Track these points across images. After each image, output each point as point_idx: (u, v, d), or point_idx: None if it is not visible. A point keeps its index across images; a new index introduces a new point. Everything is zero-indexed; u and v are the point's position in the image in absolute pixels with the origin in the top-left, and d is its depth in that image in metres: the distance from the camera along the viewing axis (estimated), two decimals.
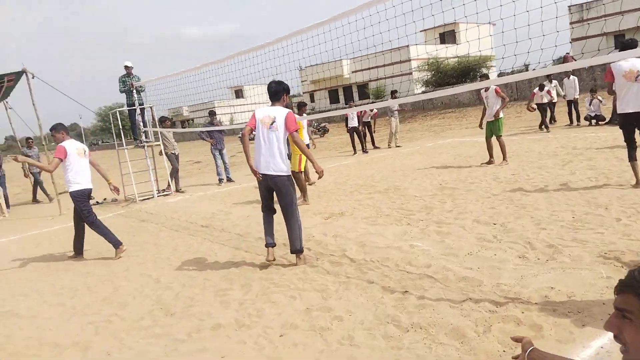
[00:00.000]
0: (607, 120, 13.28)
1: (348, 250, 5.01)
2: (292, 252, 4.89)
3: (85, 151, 6.41)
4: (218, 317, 3.81)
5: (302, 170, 8.06)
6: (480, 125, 9.71)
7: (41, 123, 10.54)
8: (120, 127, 11.49)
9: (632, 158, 5.97)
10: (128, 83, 11.16)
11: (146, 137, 11.38)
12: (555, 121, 15.06)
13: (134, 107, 11.20)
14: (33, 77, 10.36)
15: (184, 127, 51.07)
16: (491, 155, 9.25)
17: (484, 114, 9.44)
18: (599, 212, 5.11)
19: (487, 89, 9.11)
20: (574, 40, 27.32)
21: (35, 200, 13.78)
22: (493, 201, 6.28)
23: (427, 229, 5.40)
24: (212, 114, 12.30)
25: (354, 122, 14.78)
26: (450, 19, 5.18)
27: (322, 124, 26.94)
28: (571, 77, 14.08)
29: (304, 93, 44.78)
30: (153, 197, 10.97)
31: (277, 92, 4.92)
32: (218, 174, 12.06)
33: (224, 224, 7.22)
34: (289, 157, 6.33)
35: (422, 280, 3.94)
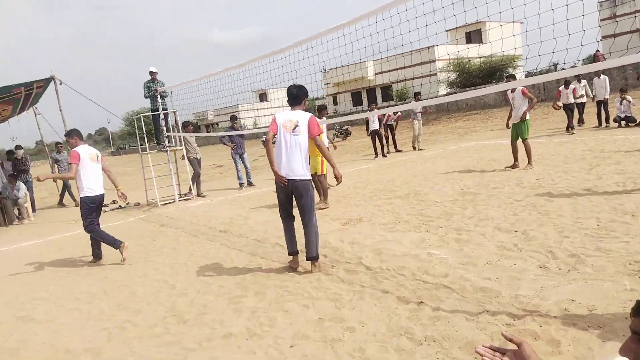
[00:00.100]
0: (638, 121, 12.85)
1: (364, 258, 4.93)
2: (307, 259, 4.84)
3: (98, 156, 6.52)
4: (230, 325, 3.79)
5: (324, 172, 8.08)
6: (507, 125, 9.44)
7: (67, 129, 10.77)
8: (144, 131, 11.65)
9: None
10: (152, 88, 11.32)
11: (169, 142, 11.51)
12: (583, 123, 14.63)
13: (157, 112, 11.34)
14: (61, 84, 10.63)
15: (209, 131, 51.63)
16: (516, 159, 9.02)
17: (510, 116, 9.21)
18: (626, 219, 4.90)
19: (513, 90, 8.89)
20: (604, 37, 26.60)
21: (61, 203, 14.10)
22: (515, 207, 6.11)
23: (446, 237, 5.27)
24: (233, 118, 12.37)
25: (375, 125, 14.66)
26: (475, 18, 5.02)
27: (345, 127, 26.85)
28: (602, 76, 13.62)
29: (327, 96, 44.75)
30: (174, 201, 11.08)
31: (299, 96, 4.90)
32: (239, 178, 12.11)
33: (241, 229, 7.22)
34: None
35: (439, 291, 3.84)
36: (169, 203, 11.04)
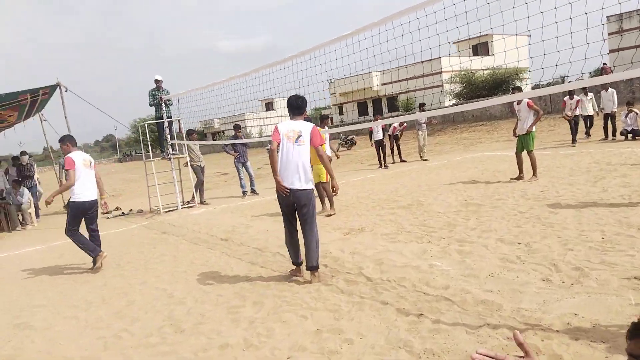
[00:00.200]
0: None
1: (365, 269, 4.87)
2: (307, 269, 4.80)
3: (91, 163, 6.58)
4: (227, 336, 3.73)
5: (328, 180, 8.09)
6: (515, 134, 9.30)
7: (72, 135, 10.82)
8: (148, 139, 11.68)
9: None
10: (157, 96, 11.35)
11: (173, 150, 11.53)
12: (589, 135, 14.53)
13: (162, 120, 11.37)
14: (66, 90, 10.68)
15: (215, 139, 51.83)
16: (521, 171, 8.95)
17: (516, 127, 9.15)
18: (631, 232, 4.82)
19: (519, 102, 8.84)
20: (612, 51, 26.52)
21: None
22: (519, 219, 6.03)
23: (448, 248, 5.21)
24: (236, 127, 12.38)
25: (379, 135, 14.64)
26: (483, 30, 4.99)
27: (350, 137, 26.84)
28: (609, 89, 13.55)
29: (332, 105, 44.84)
30: (177, 208, 11.06)
31: (300, 106, 4.93)
32: (242, 186, 12.09)
33: (242, 238, 7.18)
34: None
35: (439, 303, 3.77)
36: (172, 210, 11.02)
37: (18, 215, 11.75)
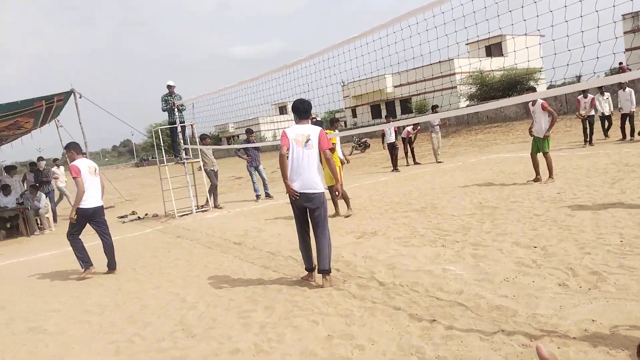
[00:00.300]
0: None
1: (377, 273, 4.82)
2: (319, 272, 4.77)
3: (95, 169, 6.65)
4: (238, 340, 3.72)
5: (341, 182, 8.14)
6: (530, 133, 9.16)
7: (86, 140, 10.98)
8: (162, 143, 11.77)
9: None
10: (170, 102, 11.44)
11: (186, 154, 11.60)
12: (607, 137, 14.26)
13: (175, 125, 11.45)
14: (80, 97, 10.82)
15: (230, 144, 52.13)
16: (537, 172, 8.80)
17: (532, 126, 8.99)
18: None
19: (534, 103, 8.72)
20: (628, 50, 26.08)
21: None
22: (535, 222, 5.93)
23: (462, 252, 5.13)
24: (249, 131, 12.41)
25: (391, 138, 14.56)
26: (496, 30, 4.91)
27: (363, 139, 26.77)
28: (627, 89, 13.30)
29: (345, 108, 44.81)
30: (191, 212, 11.12)
31: (306, 110, 4.96)
32: (255, 190, 12.11)
33: (255, 242, 7.18)
34: None
35: (452, 308, 3.71)
36: (186, 214, 11.08)
37: (36, 219, 11.91)
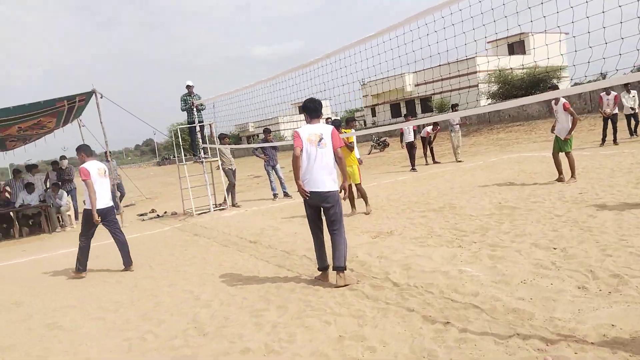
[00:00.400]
0: None
1: (391, 274, 4.76)
2: (334, 269, 4.74)
3: (105, 171, 6.76)
4: (249, 340, 3.70)
5: (360, 182, 8.40)
6: (552, 130, 8.98)
7: (107, 140, 11.14)
8: (181, 142, 11.87)
9: None
10: (189, 102, 11.53)
11: (204, 153, 11.67)
12: (636, 135, 13.85)
13: (193, 125, 11.54)
14: (101, 97, 10.96)
15: (249, 143, 52.44)
16: (560, 172, 8.59)
17: (555, 125, 8.79)
18: None
19: (557, 102, 8.51)
20: None
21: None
22: (556, 223, 5.79)
23: (479, 252, 5.03)
24: (266, 131, 12.44)
25: (410, 137, 14.42)
26: (516, 27, 4.81)
27: (383, 138, 26.60)
28: None
29: (365, 107, 44.61)
30: (209, 211, 11.18)
31: (317, 109, 4.97)
32: (272, 189, 12.13)
33: (271, 240, 7.17)
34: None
35: (467, 311, 3.63)
36: (204, 213, 11.15)
37: (57, 217, 12.13)
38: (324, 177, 4.73)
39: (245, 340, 3.71)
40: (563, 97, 8.42)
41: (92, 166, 6.56)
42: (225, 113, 16.01)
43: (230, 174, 11.76)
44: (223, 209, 11.44)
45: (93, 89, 10.73)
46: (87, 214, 6.52)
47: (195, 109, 11.46)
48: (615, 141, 13.09)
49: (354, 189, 8.52)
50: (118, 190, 14.32)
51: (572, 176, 8.43)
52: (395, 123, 30.16)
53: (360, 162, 8.77)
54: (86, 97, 10.83)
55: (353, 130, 8.69)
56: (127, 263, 6.68)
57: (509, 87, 29.05)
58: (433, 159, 15.79)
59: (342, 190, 4.95)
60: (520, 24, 4.52)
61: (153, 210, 13.38)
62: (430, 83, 33.18)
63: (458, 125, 15.07)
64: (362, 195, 8.41)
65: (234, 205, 11.77)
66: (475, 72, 31.49)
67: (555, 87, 9.69)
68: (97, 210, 6.42)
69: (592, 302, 3.43)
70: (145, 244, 8.52)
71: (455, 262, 4.85)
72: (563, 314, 3.31)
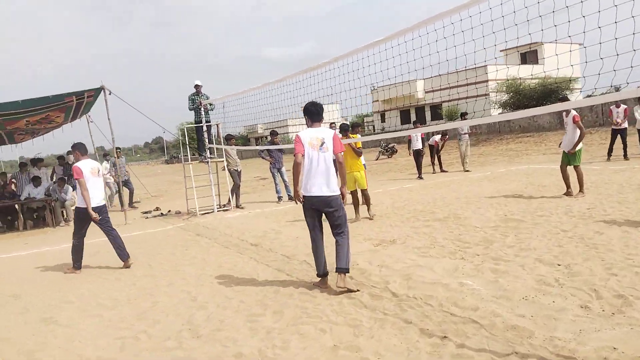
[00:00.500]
0: None
1: (391, 283, 4.68)
2: (336, 271, 4.67)
3: (99, 170, 6.77)
4: (242, 345, 3.65)
5: (367, 187, 8.44)
6: (560, 146, 8.85)
7: (114, 136, 11.18)
8: (187, 142, 11.87)
9: None
10: (197, 101, 11.53)
11: (210, 154, 11.66)
12: None
13: (200, 124, 11.53)
14: (110, 93, 10.98)
15: (258, 144, 52.51)
16: (568, 186, 8.46)
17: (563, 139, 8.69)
18: None
19: (567, 113, 8.40)
20: None
21: (131, 205, 14.51)
22: (561, 238, 5.68)
23: (481, 266, 4.94)
24: (273, 133, 12.42)
25: (418, 144, 14.33)
26: (528, 37, 4.73)
27: (391, 145, 26.49)
28: None
29: (374, 112, 44.51)
30: (213, 211, 11.16)
31: (319, 112, 4.95)
32: (277, 191, 12.10)
33: (272, 244, 7.12)
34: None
35: (466, 325, 3.55)
36: (208, 213, 11.13)
37: (62, 211, 12.16)
38: (325, 182, 4.70)
39: (239, 345, 3.66)
40: (574, 109, 8.32)
41: (86, 165, 6.56)
42: (234, 114, 16.02)
43: (236, 175, 11.74)
44: (227, 210, 11.42)
45: (102, 85, 10.75)
46: (80, 212, 6.55)
47: (202, 109, 11.45)
48: (625, 156, 12.92)
49: (359, 194, 8.46)
50: (126, 187, 14.37)
51: (580, 190, 8.31)
52: (401, 130, 30.06)
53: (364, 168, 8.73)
54: (95, 93, 10.85)
55: (359, 136, 8.65)
56: (124, 256, 6.66)
57: (520, 97, 28.83)
58: (441, 167, 15.69)
59: (343, 196, 4.91)
60: (531, 33, 4.44)
61: (157, 209, 13.38)
62: (441, 90, 33.06)
63: (467, 135, 14.96)
64: (366, 200, 8.40)
65: (238, 206, 11.74)
66: (486, 81, 31.33)
67: (565, 99, 9.58)
68: (91, 208, 6.43)
69: (594, 323, 3.34)
70: (147, 242, 8.50)
71: (456, 274, 4.77)
72: (564, 334, 3.22)
